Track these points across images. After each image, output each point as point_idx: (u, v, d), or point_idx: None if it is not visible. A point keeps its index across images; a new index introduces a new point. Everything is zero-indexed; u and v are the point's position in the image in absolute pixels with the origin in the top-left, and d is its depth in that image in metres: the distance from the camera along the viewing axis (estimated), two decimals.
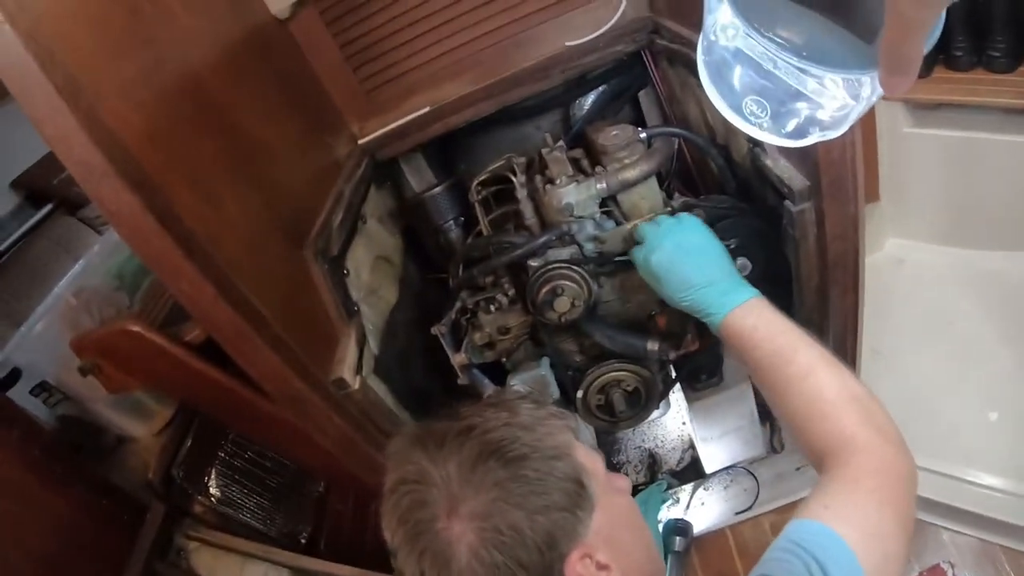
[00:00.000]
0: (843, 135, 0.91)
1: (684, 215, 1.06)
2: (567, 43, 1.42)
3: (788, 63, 0.45)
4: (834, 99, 0.48)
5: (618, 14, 1.42)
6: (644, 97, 1.59)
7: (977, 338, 1.75)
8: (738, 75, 0.52)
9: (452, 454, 0.67)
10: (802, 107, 0.50)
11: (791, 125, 0.52)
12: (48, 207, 2.06)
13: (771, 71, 0.47)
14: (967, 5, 1.68)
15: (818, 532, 0.64)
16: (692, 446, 1.57)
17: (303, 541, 1.87)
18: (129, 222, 0.79)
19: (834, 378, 0.80)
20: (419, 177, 1.54)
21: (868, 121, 1.74)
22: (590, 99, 1.52)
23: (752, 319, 0.89)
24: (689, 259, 0.99)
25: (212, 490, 1.83)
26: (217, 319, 0.90)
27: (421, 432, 0.72)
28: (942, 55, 1.78)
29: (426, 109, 1.46)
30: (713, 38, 0.52)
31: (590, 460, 0.72)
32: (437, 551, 0.64)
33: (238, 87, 1.17)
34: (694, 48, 1.18)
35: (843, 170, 0.97)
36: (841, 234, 1.04)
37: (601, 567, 0.67)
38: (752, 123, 0.54)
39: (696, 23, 1.23)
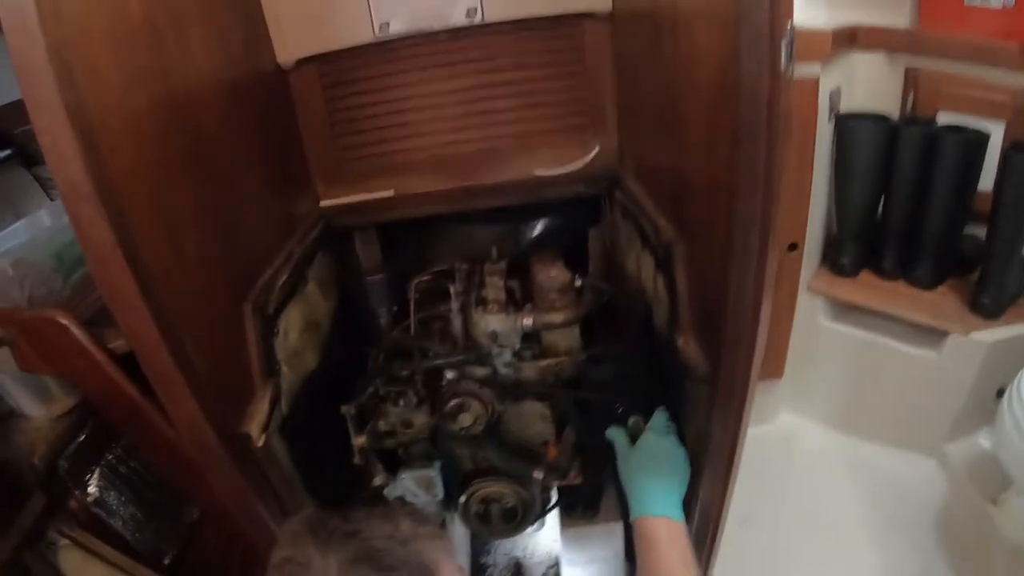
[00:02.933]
0: (747, 349, 1.02)
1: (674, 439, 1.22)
2: (536, 171, 1.52)
3: None
4: None
5: (588, 158, 1.53)
6: (593, 235, 1.70)
7: (844, 522, 1.88)
8: None
9: (336, 550, 0.75)
10: None
11: None
12: (5, 153, 2.03)
13: None
14: (904, 223, 1.84)
15: None
16: (557, 565, 1.64)
17: (166, 562, 1.87)
18: (99, 251, 0.82)
19: None
20: (368, 253, 1.61)
21: (788, 308, 1.88)
22: (541, 224, 1.62)
23: (667, 533, 1.07)
24: (664, 464, 1.17)
25: (91, 489, 1.82)
26: (154, 363, 0.93)
27: (315, 522, 0.80)
28: (872, 261, 1.93)
29: (390, 193, 1.53)
30: None
31: None
32: None
33: (227, 128, 1.21)
34: (651, 222, 1.28)
35: (738, 378, 1.04)
36: (724, 424, 1.11)
37: None
38: None
39: (652, 192, 1.34)
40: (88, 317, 1.56)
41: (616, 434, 1.24)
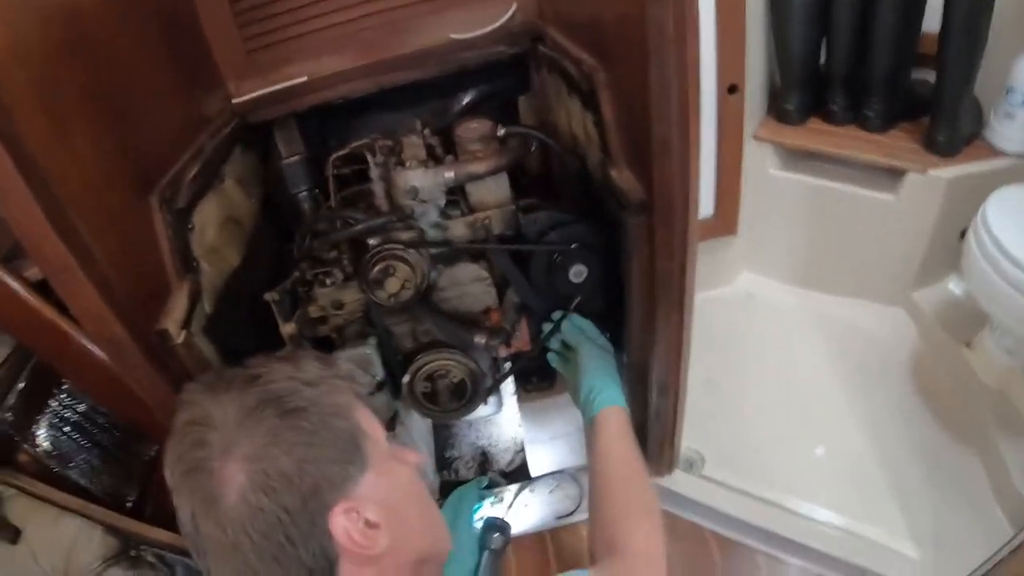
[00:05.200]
0: (679, 158, 0.97)
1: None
2: (451, 35, 1.43)
3: None
4: None
5: (506, 16, 1.44)
6: (523, 102, 1.62)
7: (814, 377, 1.85)
8: None
9: (234, 399, 0.68)
10: None
11: None
12: None
13: None
14: (850, 64, 1.77)
15: None
16: (523, 448, 1.60)
17: (129, 504, 1.81)
18: None
19: (655, 496, 1.03)
20: (288, 145, 1.52)
21: (734, 157, 1.81)
22: (467, 96, 1.53)
23: (627, 420, 1.13)
24: (607, 359, 1.23)
25: (40, 440, 1.76)
26: (44, 249, 0.88)
27: (212, 378, 0.73)
28: (820, 107, 1.87)
29: (303, 79, 1.45)
30: None
31: (370, 425, 0.74)
32: (208, 490, 0.65)
33: (119, 20, 1.13)
34: (573, 60, 1.22)
35: (674, 190, 1.00)
36: (667, 253, 1.07)
37: (370, 524, 0.69)
38: None
39: (571, 32, 1.27)
40: (5, 254, 1.49)
41: (575, 329, 1.27)
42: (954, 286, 1.93)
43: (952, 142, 1.75)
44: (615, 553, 0.92)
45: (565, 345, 1.30)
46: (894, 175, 1.79)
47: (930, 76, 1.77)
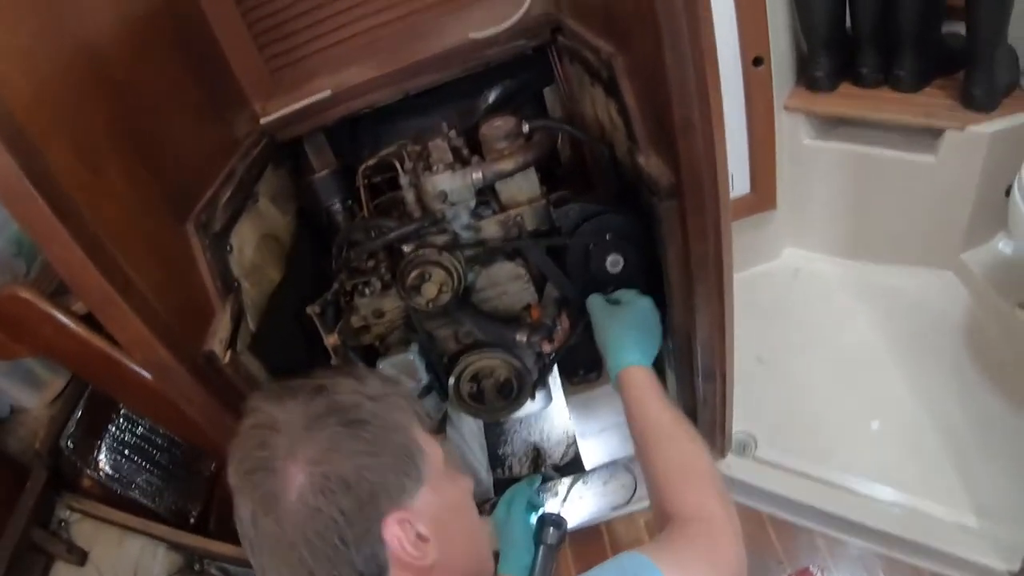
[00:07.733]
0: (703, 137, 0.95)
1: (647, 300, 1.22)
2: (471, 35, 1.43)
3: None
4: None
5: (522, 10, 1.44)
6: (549, 94, 1.61)
7: (865, 349, 1.81)
8: None
9: (300, 406, 0.71)
10: None
11: None
12: None
13: None
14: (876, 23, 1.72)
15: (645, 566, 0.74)
16: (575, 441, 1.60)
17: (192, 519, 1.85)
18: (4, 183, 0.79)
19: (701, 452, 0.98)
20: (319, 159, 1.54)
21: (766, 130, 1.78)
22: (493, 94, 1.53)
23: (649, 379, 1.07)
24: (637, 323, 1.16)
25: (101, 464, 1.80)
26: (85, 283, 0.90)
27: (278, 387, 0.76)
28: (850, 72, 1.82)
29: (327, 93, 1.46)
30: None
31: (429, 445, 0.76)
32: (269, 488, 0.67)
33: (140, 57, 1.16)
34: (591, 48, 1.21)
35: (701, 171, 0.98)
36: (701, 236, 1.05)
37: (421, 537, 0.70)
38: None
39: (588, 21, 1.26)
40: (53, 290, 1.54)
41: (594, 298, 1.23)
42: (1004, 245, 1.87)
43: (990, 95, 1.69)
44: (669, 524, 0.90)
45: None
46: (932, 135, 1.74)
47: (961, 29, 1.72)
